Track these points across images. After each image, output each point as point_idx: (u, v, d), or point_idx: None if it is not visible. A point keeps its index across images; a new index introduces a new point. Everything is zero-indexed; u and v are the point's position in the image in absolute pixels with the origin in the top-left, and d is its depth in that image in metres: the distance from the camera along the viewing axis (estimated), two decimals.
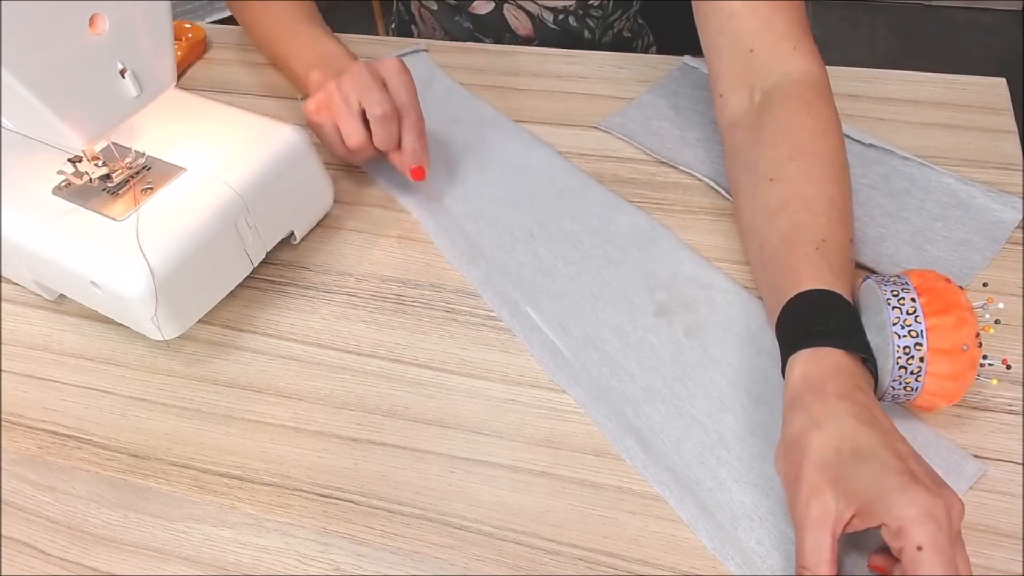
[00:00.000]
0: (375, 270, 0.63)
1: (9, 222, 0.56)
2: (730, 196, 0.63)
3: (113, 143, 0.58)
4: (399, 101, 0.62)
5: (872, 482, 0.40)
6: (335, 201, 0.66)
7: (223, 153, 0.59)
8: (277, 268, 0.64)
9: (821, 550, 0.41)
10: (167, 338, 0.55)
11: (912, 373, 0.46)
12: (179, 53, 0.82)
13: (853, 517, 0.41)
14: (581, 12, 0.84)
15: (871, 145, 0.66)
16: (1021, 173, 0.64)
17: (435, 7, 0.89)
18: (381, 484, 0.51)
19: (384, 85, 0.62)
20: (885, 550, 0.43)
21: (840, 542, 0.42)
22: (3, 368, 0.59)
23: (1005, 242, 0.59)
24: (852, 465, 0.41)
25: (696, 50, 0.67)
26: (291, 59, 0.71)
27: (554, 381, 0.55)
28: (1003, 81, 0.72)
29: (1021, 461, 0.48)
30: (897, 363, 0.46)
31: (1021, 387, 0.52)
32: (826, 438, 0.42)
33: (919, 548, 0.38)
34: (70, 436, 0.55)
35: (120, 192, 0.56)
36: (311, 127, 0.66)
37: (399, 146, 0.63)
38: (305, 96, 0.68)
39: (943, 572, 0.38)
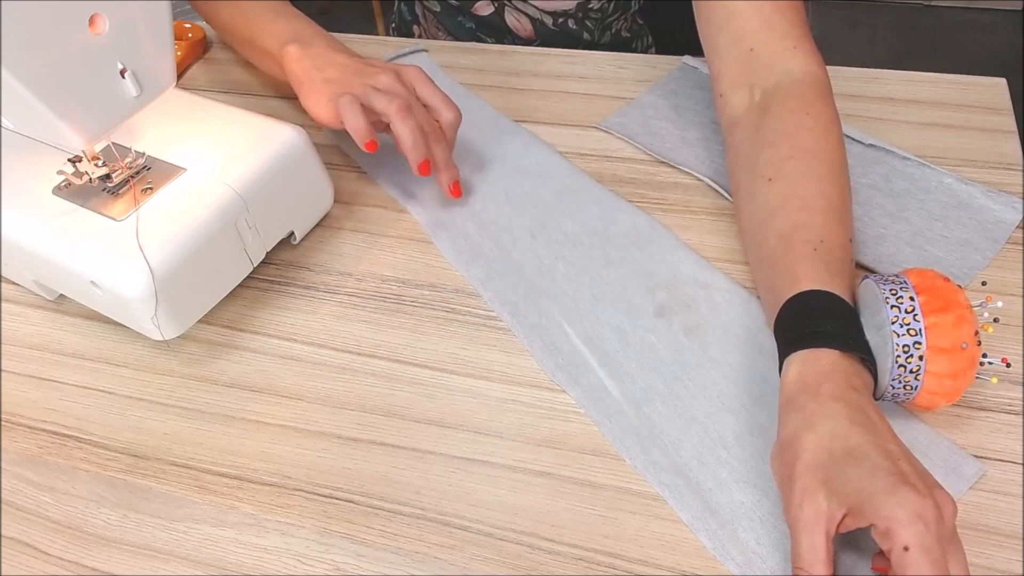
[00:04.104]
0: (375, 270, 0.63)
1: (9, 222, 0.56)
2: (730, 196, 0.63)
3: (113, 143, 0.58)
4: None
5: (862, 483, 0.40)
6: (335, 201, 0.66)
7: (223, 153, 0.59)
8: (277, 268, 0.64)
9: (816, 550, 0.41)
10: (167, 338, 0.55)
11: (912, 372, 0.46)
12: (179, 53, 0.82)
13: (845, 517, 0.41)
14: (580, 15, 0.85)
15: (871, 145, 0.66)
16: (1021, 173, 0.64)
17: (438, 8, 0.89)
18: (381, 484, 0.51)
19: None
20: None
21: (838, 542, 0.42)
22: (3, 368, 0.59)
23: (1005, 242, 0.59)
24: (843, 466, 0.41)
25: (695, 50, 0.67)
26: (262, 38, 0.70)
27: (554, 381, 0.55)
28: (1003, 81, 0.72)
29: (1021, 461, 0.48)
30: (896, 362, 0.46)
31: (1021, 387, 0.52)
32: (818, 439, 0.42)
33: (906, 549, 0.38)
34: (70, 436, 0.55)
35: (120, 192, 0.56)
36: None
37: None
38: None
39: (930, 573, 0.38)
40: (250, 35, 0.71)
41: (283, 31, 0.68)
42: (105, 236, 0.54)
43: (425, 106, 0.63)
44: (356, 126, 0.60)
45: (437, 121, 0.64)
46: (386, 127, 0.63)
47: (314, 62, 0.65)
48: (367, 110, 0.61)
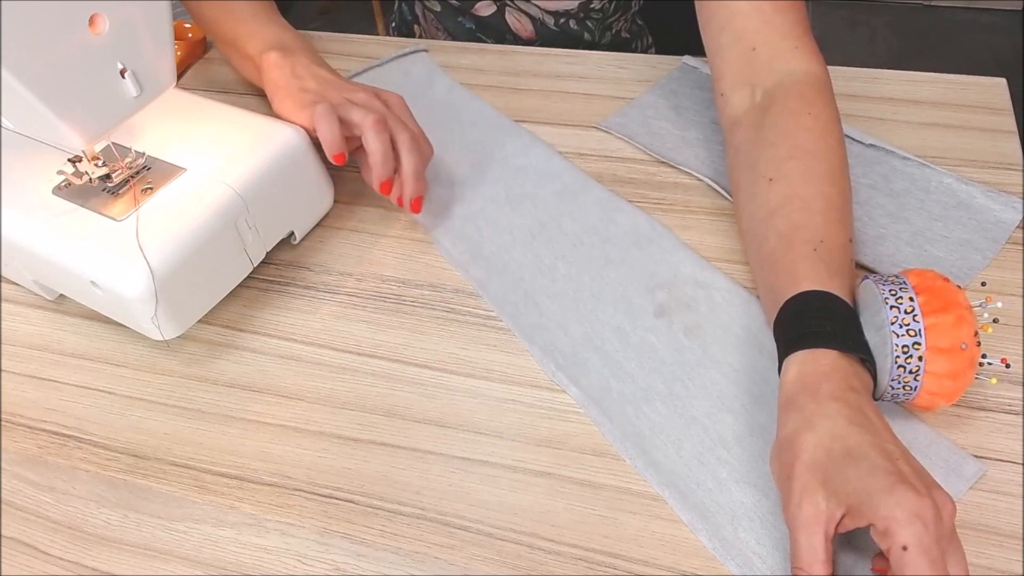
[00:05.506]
0: (375, 270, 0.63)
1: (9, 222, 0.56)
2: (730, 196, 0.63)
3: (113, 143, 0.58)
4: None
5: (861, 483, 0.40)
6: (335, 201, 0.66)
7: (223, 153, 0.59)
8: (277, 268, 0.64)
9: (815, 549, 0.41)
10: (167, 338, 0.55)
11: (911, 372, 0.46)
12: (179, 53, 0.82)
13: (844, 516, 0.41)
14: (582, 15, 0.85)
15: (871, 145, 0.66)
16: (1021, 173, 0.64)
17: (438, 8, 0.89)
18: (381, 484, 0.51)
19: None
20: None
21: (838, 542, 0.42)
22: (3, 368, 0.59)
23: (1005, 242, 0.59)
24: (842, 466, 0.41)
25: (696, 50, 0.67)
26: (244, 41, 0.69)
27: (554, 381, 0.55)
28: (1003, 81, 0.72)
29: (1021, 461, 0.48)
30: (896, 362, 0.46)
31: (1021, 387, 0.52)
32: (818, 439, 0.43)
33: (904, 548, 0.38)
34: (70, 436, 0.55)
35: (120, 192, 0.56)
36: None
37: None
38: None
39: (929, 572, 0.38)
40: (233, 36, 0.70)
41: (267, 37, 0.68)
42: (105, 236, 0.54)
43: None
44: (329, 135, 0.59)
45: None
46: (358, 145, 0.62)
47: (293, 70, 0.64)
48: (342, 123, 0.60)
